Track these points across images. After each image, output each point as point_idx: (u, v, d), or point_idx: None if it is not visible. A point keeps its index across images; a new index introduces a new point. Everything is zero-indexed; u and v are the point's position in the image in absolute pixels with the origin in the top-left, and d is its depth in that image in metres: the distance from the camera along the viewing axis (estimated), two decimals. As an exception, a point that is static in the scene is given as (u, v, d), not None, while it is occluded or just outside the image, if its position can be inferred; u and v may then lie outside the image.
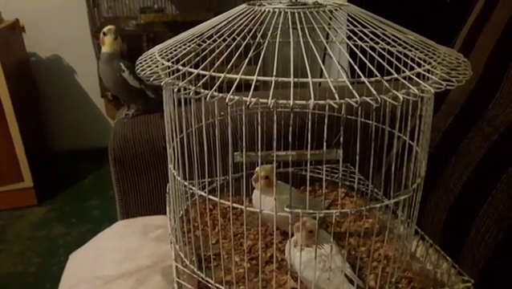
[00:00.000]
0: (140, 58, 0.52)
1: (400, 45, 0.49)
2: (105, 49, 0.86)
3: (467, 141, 0.62)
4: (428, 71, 0.45)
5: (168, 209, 0.68)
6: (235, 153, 0.58)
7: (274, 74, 0.44)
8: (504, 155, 0.58)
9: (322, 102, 0.41)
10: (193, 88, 0.44)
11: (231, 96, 0.42)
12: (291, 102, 0.41)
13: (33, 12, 1.96)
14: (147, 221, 0.77)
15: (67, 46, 2.00)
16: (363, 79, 0.42)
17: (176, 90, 0.45)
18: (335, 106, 0.41)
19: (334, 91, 0.41)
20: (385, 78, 0.43)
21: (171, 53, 0.50)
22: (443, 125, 0.67)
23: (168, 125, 0.55)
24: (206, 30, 0.54)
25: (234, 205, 0.50)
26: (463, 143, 0.63)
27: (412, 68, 0.45)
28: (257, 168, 0.61)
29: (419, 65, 0.46)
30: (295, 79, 0.41)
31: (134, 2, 1.93)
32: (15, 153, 1.70)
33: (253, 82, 0.43)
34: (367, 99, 0.41)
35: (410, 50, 0.49)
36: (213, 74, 0.44)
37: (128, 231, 0.75)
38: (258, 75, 0.42)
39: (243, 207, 0.51)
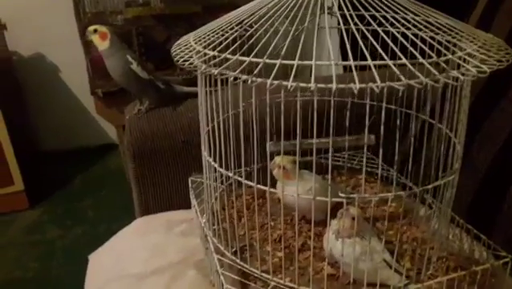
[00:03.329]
0: (175, 45, 0.51)
1: (444, 32, 0.49)
2: (100, 48, 0.85)
3: (490, 121, 0.64)
4: (469, 55, 0.45)
5: (195, 202, 0.67)
6: (269, 143, 0.58)
7: (314, 58, 0.44)
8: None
9: (363, 85, 0.41)
10: (234, 73, 0.44)
11: (272, 81, 0.42)
12: (334, 86, 0.41)
13: (14, 9, 1.89)
14: (169, 217, 0.76)
15: (52, 43, 1.94)
16: (404, 61, 0.43)
17: (219, 76, 0.44)
18: (377, 90, 0.41)
19: (376, 75, 0.41)
20: (428, 60, 0.43)
21: (209, 39, 0.49)
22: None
23: (203, 112, 0.54)
24: (242, 18, 0.53)
25: (272, 190, 0.50)
26: (487, 122, 0.64)
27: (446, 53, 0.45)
28: (275, 158, 0.61)
29: (457, 49, 0.46)
30: (335, 63, 0.41)
31: (118, -4, 1.88)
32: (4, 157, 1.64)
33: (294, 67, 0.43)
34: (412, 82, 0.42)
35: (450, 36, 0.49)
36: (253, 59, 0.44)
37: (151, 228, 0.74)
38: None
39: (279, 192, 0.51)
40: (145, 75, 0.83)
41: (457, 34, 0.48)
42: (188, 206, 0.74)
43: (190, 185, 0.71)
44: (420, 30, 0.49)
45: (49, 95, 2.09)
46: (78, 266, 0.79)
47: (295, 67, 0.42)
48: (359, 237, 0.51)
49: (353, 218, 0.50)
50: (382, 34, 0.46)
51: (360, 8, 0.50)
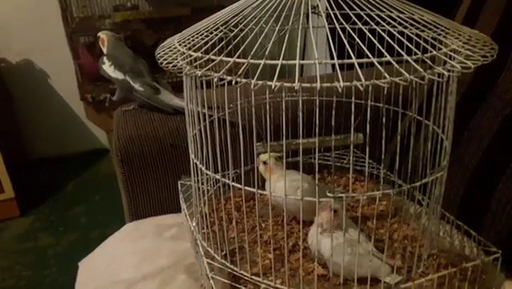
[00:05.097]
0: (159, 47, 0.51)
1: (430, 29, 0.49)
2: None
3: (478, 117, 0.64)
4: (454, 51, 0.45)
5: (185, 205, 0.66)
6: (257, 144, 0.57)
7: (298, 57, 0.43)
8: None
9: (347, 84, 0.41)
10: (217, 74, 0.43)
11: (256, 82, 0.41)
12: (318, 85, 0.41)
13: (1, 16, 1.88)
14: (158, 221, 0.75)
15: (40, 49, 1.92)
16: (388, 58, 0.42)
17: (204, 78, 0.44)
18: (361, 88, 0.41)
19: (360, 74, 0.41)
20: (412, 57, 0.43)
21: (192, 40, 0.49)
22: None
23: (189, 114, 0.54)
24: (223, 20, 0.52)
25: (260, 192, 0.49)
26: (474, 119, 0.64)
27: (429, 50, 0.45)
28: (261, 155, 0.61)
29: (442, 46, 0.46)
30: (319, 62, 0.41)
31: (106, 1, 1.88)
32: (-6, 164, 1.63)
33: (278, 66, 0.43)
34: (396, 79, 0.42)
35: (435, 32, 0.49)
36: (237, 60, 0.44)
37: (140, 233, 0.73)
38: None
39: (268, 193, 0.51)
40: (119, 75, 0.83)
41: (442, 30, 0.48)
42: (178, 210, 0.74)
43: (180, 188, 0.70)
44: (405, 27, 0.48)
45: (38, 102, 2.08)
46: (71, 274, 0.78)
47: (279, 66, 0.42)
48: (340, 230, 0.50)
49: (332, 210, 0.50)
50: (367, 33, 0.46)
51: (345, 7, 0.49)
